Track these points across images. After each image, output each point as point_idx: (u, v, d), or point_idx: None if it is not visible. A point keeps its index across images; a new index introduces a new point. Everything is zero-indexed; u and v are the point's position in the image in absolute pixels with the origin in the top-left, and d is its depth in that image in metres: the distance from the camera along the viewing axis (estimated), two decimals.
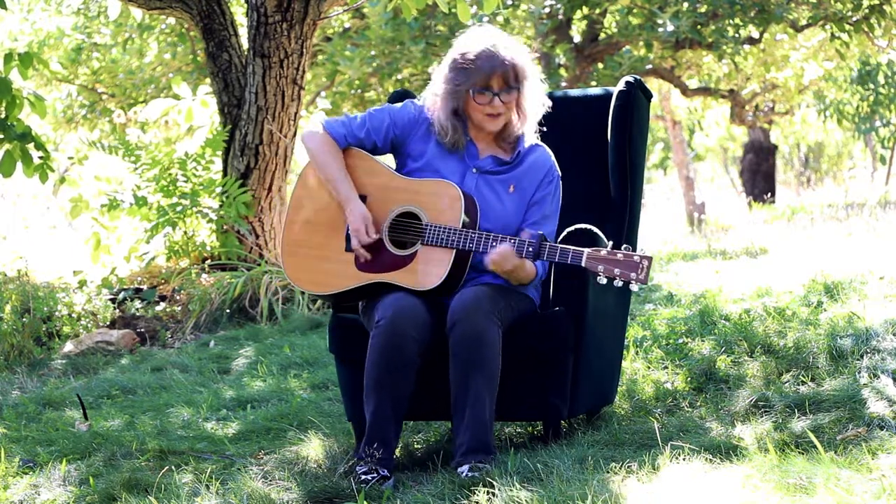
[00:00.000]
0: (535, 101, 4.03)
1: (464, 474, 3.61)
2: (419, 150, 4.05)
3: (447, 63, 3.99)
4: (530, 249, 3.78)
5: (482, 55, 3.91)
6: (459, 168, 4.02)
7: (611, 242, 3.77)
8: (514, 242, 3.81)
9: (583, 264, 3.72)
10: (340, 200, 4.01)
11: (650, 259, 3.69)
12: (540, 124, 4.12)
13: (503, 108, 3.95)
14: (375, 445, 3.73)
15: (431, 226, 3.90)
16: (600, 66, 13.93)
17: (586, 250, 3.73)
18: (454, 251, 3.86)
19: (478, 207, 3.95)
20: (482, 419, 3.73)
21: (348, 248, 4.00)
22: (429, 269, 3.88)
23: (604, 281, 3.71)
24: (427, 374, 3.95)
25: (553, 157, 4.11)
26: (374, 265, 3.95)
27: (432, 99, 4.02)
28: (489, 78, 3.90)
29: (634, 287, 3.69)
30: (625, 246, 3.74)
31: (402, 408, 3.80)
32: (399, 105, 4.12)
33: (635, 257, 3.69)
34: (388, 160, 4.19)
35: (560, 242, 4.04)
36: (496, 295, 3.85)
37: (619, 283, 3.70)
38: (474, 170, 4.03)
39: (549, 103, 4.10)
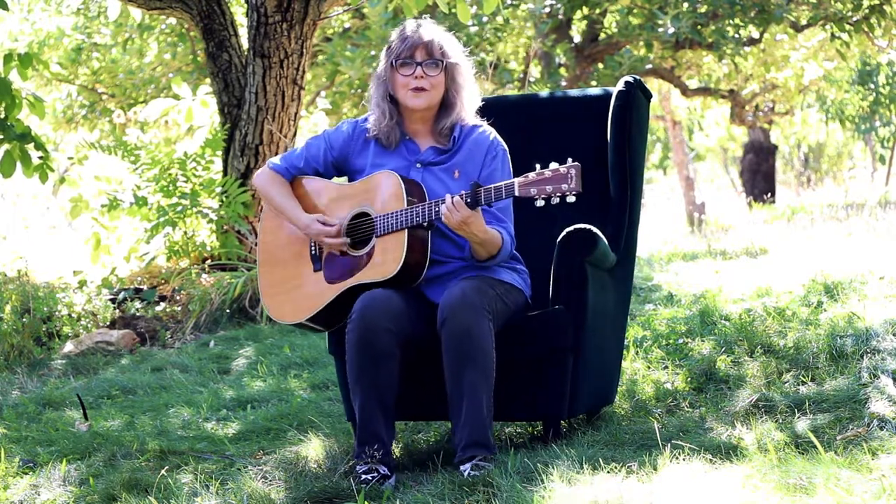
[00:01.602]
0: (466, 89, 4.09)
1: (466, 473, 3.62)
2: (360, 163, 4.14)
3: (384, 51, 4.13)
4: (468, 200, 3.79)
5: (405, 33, 4.06)
6: (403, 166, 4.07)
7: (537, 165, 3.76)
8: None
9: (516, 194, 3.73)
10: (291, 222, 4.13)
11: (578, 166, 3.66)
12: (485, 118, 4.16)
13: (427, 81, 4.00)
14: (376, 447, 3.73)
15: (379, 216, 3.95)
16: (600, 66, 13.94)
17: (517, 180, 3.74)
18: (406, 231, 3.89)
19: (423, 188, 3.99)
20: (479, 413, 3.73)
21: (316, 268, 4.08)
22: (387, 256, 3.92)
23: (541, 203, 3.70)
24: (425, 374, 3.95)
25: (494, 133, 4.12)
26: (342, 274, 4.01)
27: (372, 87, 4.13)
28: (412, 48, 4.01)
29: (571, 198, 3.67)
30: (551, 163, 3.73)
31: (388, 400, 3.80)
32: (334, 127, 4.24)
33: (561, 169, 3.68)
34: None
35: (560, 242, 4.05)
36: (484, 287, 3.86)
37: (555, 200, 3.69)
38: (418, 164, 4.08)
39: (480, 98, 4.15)
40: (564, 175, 3.68)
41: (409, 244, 3.89)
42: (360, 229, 4.02)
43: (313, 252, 4.10)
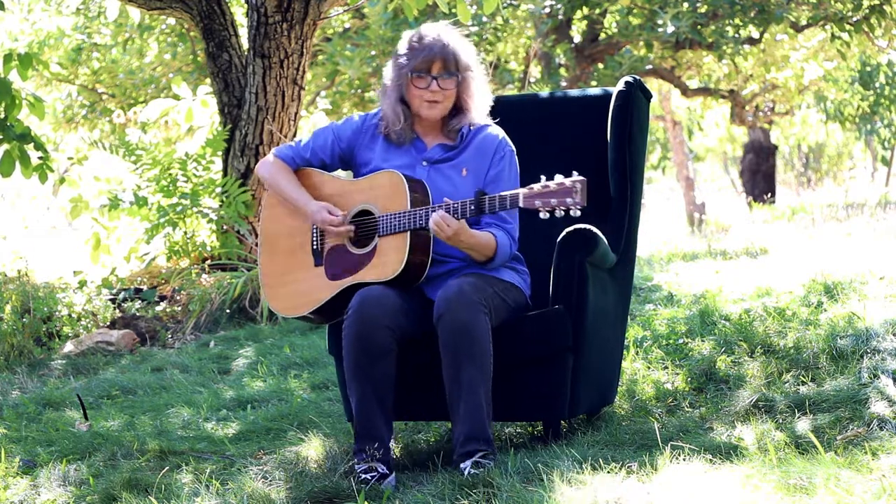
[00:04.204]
0: (479, 95, 4.10)
1: (466, 471, 3.62)
2: (367, 157, 4.14)
3: (394, 56, 4.12)
4: (472, 207, 3.81)
5: (423, 41, 4.04)
6: (409, 164, 4.08)
7: (543, 177, 3.76)
8: (455, 206, 3.83)
9: (521, 205, 3.75)
10: (299, 208, 4.12)
11: (583, 181, 3.68)
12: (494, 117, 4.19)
13: (441, 94, 4.02)
14: (376, 446, 3.73)
15: (383, 216, 3.95)
16: (600, 66, 13.94)
17: (521, 190, 3.75)
18: (408, 234, 3.90)
19: (427, 188, 3.99)
20: (478, 408, 3.73)
21: (317, 263, 4.08)
22: (388, 258, 3.92)
23: (545, 216, 3.71)
24: (424, 374, 3.95)
25: (502, 134, 4.13)
26: (343, 271, 4.01)
27: (381, 92, 4.14)
28: (429, 62, 4.00)
29: (576, 212, 3.68)
30: (556, 175, 3.74)
31: (386, 398, 3.80)
32: (342, 120, 4.24)
33: (567, 182, 3.69)
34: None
35: (560, 242, 4.05)
36: (481, 283, 3.87)
37: (559, 213, 3.70)
38: (424, 162, 4.09)
39: (491, 100, 4.17)
40: (570, 189, 3.69)
41: (412, 246, 3.89)
42: (364, 227, 4.03)
43: (315, 247, 4.10)
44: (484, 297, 3.83)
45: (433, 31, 4.07)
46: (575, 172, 3.73)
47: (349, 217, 4.05)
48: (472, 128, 4.12)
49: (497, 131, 4.13)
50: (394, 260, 3.91)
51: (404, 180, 3.95)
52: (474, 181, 4.05)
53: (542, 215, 3.73)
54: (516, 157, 4.12)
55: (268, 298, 4.18)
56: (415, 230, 3.90)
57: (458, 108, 4.10)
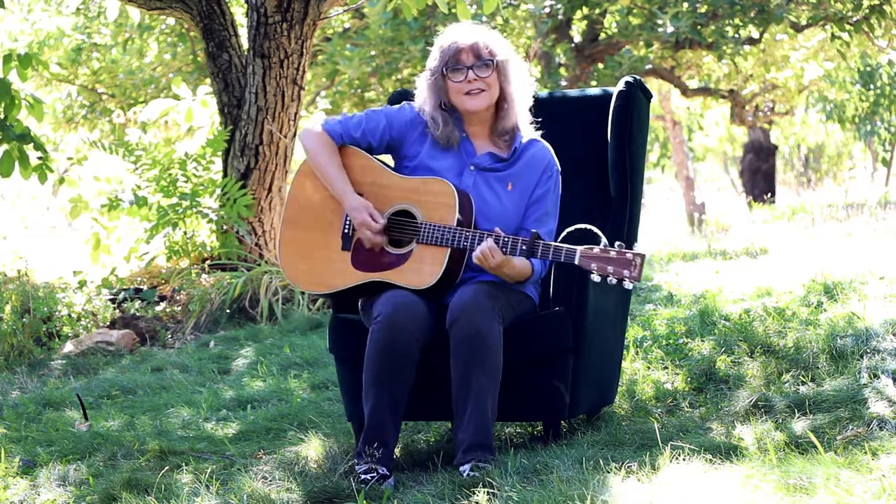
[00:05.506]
0: (520, 85, 4.05)
1: (465, 473, 3.61)
2: (414, 151, 4.07)
3: (428, 61, 4.08)
4: (523, 248, 3.78)
5: (451, 37, 4.01)
6: (456, 166, 4.02)
7: (604, 239, 3.74)
8: (506, 240, 3.80)
9: (576, 262, 3.71)
10: (337, 196, 4.03)
11: (643, 256, 3.66)
12: (536, 122, 4.14)
13: (481, 83, 3.97)
14: (376, 445, 3.73)
15: (426, 224, 3.90)
16: (600, 66, 13.93)
17: (579, 248, 3.71)
18: (449, 250, 3.86)
19: (473, 204, 3.95)
20: (484, 417, 3.73)
21: (345, 248, 4.01)
22: (424, 267, 3.88)
23: (597, 279, 3.69)
24: (428, 375, 3.95)
25: (552, 152, 4.11)
26: (371, 264, 3.96)
27: (421, 98, 4.08)
28: (459, 53, 3.97)
29: (628, 285, 3.66)
30: (618, 243, 3.71)
31: (400, 405, 3.80)
32: (397, 107, 4.15)
33: (628, 255, 3.67)
34: (388, 160, 4.21)
35: (561, 242, 4.04)
36: (496, 292, 3.85)
37: (612, 280, 3.67)
38: (472, 167, 4.03)
39: (536, 87, 4.13)
40: (629, 261, 3.66)
41: (450, 261, 3.87)
42: (401, 228, 3.97)
43: (346, 231, 4.02)
44: (498, 305, 3.82)
45: (459, 27, 4.03)
46: (636, 245, 3.71)
47: (388, 214, 3.99)
48: (522, 140, 4.06)
49: (548, 147, 4.10)
50: (429, 272, 3.87)
51: (456, 194, 3.90)
52: (520, 197, 4.01)
53: (593, 277, 3.69)
54: (561, 179, 4.09)
55: (283, 266, 4.10)
56: (456, 248, 3.87)
57: (502, 104, 4.03)
